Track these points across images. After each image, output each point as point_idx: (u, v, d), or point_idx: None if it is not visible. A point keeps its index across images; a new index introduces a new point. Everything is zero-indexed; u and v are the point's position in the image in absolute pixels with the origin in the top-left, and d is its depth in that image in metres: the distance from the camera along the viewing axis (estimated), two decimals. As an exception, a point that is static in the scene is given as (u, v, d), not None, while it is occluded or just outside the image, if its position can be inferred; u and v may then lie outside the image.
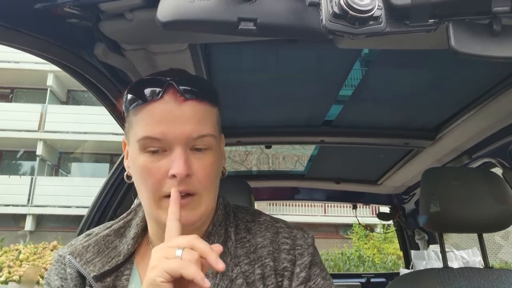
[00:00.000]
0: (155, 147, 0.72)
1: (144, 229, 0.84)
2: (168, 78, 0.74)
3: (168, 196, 0.70)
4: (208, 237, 0.80)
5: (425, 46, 0.96)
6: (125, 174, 0.82)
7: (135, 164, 0.75)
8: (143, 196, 0.75)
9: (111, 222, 0.88)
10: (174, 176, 0.70)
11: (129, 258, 0.81)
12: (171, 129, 0.71)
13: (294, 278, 0.77)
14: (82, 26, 0.86)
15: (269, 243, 0.80)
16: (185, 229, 0.75)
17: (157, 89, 0.73)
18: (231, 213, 0.86)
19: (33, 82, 15.76)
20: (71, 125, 14.89)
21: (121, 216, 0.89)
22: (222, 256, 0.76)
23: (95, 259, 0.79)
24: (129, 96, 0.76)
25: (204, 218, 0.77)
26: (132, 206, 0.90)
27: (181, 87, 0.73)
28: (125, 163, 0.82)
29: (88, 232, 0.88)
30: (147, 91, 0.74)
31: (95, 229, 0.88)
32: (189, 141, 0.72)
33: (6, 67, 15.09)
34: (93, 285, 0.76)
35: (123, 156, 0.86)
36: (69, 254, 0.80)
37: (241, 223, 0.84)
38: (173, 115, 0.72)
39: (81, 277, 0.78)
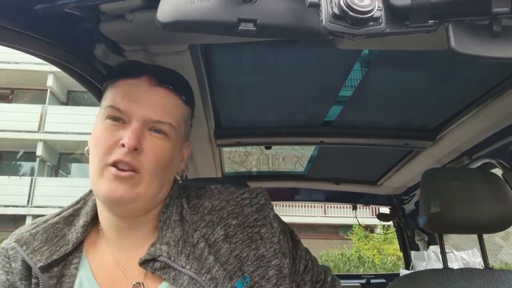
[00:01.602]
0: (116, 116, 0.75)
1: (93, 218, 0.83)
2: (149, 66, 0.82)
3: (112, 165, 0.72)
4: (166, 208, 0.81)
5: (425, 46, 0.96)
6: (86, 149, 0.81)
7: (95, 131, 0.78)
8: (92, 165, 0.76)
9: (61, 209, 0.86)
10: (123, 145, 0.72)
11: (78, 247, 0.79)
12: (136, 106, 0.75)
13: (268, 226, 0.81)
14: (82, 27, 0.86)
15: (226, 204, 0.82)
16: (124, 209, 0.77)
17: (136, 70, 0.80)
18: (180, 188, 0.88)
19: (33, 83, 15.75)
20: (71, 126, 14.87)
21: (70, 204, 0.87)
22: (181, 224, 0.78)
23: (43, 247, 0.77)
24: (109, 73, 0.83)
25: (140, 202, 0.76)
26: (81, 195, 0.89)
27: (157, 73, 0.79)
28: (89, 140, 0.81)
29: (34, 220, 0.86)
30: (126, 69, 0.81)
31: (42, 217, 0.85)
32: (148, 122, 0.76)
33: (6, 68, 15.08)
34: (39, 277, 0.74)
35: None
36: (15, 242, 0.78)
37: (191, 192, 0.87)
38: (142, 95, 0.77)
39: (27, 269, 0.76)
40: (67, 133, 15.27)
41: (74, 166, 17.34)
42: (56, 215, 0.84)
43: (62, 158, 17.20)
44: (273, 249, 0.79)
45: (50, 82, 16.00)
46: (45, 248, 0.77)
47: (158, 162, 0.75)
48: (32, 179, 15.50)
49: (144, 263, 0.74)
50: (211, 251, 0.76)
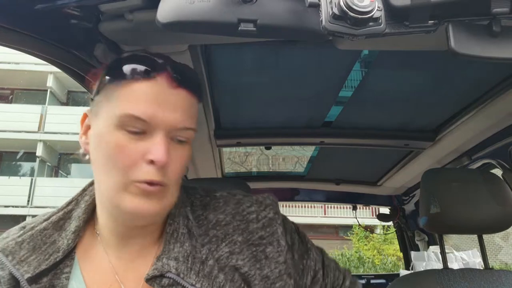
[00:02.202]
0: (137, 128, 0.66)
1: (86, 222, 0.76)
2: (161, 61, 0.70)
3: (139, 182, 0.65)
4: (173, 219, 0.74)
5: (425, 47, 0.96)
6: (80, 150, 0.74)
7: (104, 140, 0.67)
8: (108, 177, 0.68)
9: (50, 212, 0.79)
10: (152, 162, 0.65)
11: (69, 254, 0.72)
12: (160, 112, 0.66)
13: (275, 243, 0.74)
14: (82, 27, 0.86)
15: (231, 219, 0.75)
16: (142, 221, 0.71)
17: (151, 68, 0.68)
18: (183, 193, 0.80)
19: (33, 83, 15.76)
20: (71, 126, 14.85)
21: (60, 206, 0.79)
22: (190, 238, 0.72)
23: (30, 257, 0.70)
24: (116, 68, 0.69)
25: (166, 212, 0.72)
26: (73, 196, 0.81)
27: (175, 73, 0.69)
28: (81, 139, 0.73)
29: (23, 224, 0.79)
30: (140, 67, 0.68)
31: (31, 220, 0.78)
32: (172, 130, 0.68)
33: (6, 68, 15.09)
34: None
35: None
36: (0, 252, 0.71)
37: (196, 199, 0.79)
38: (164, 99, 0.67)
39: (15, 279, 0.69)
40: (67, 133, 15.26)
41: (74, 167, 17.34)
42: (45, 220, 0.76)
43: (62, 159, 17.20)
44: (278, 270, 0.73)
45: (50, 82, 16.02)
46: (33, 257, 0.71)
47: (182, 172, 0.71)
48: (32, 180, 15.50)
49: (151, 279, 0.68)
50: (220, 267, 0.71)
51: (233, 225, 0.75)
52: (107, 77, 0.70)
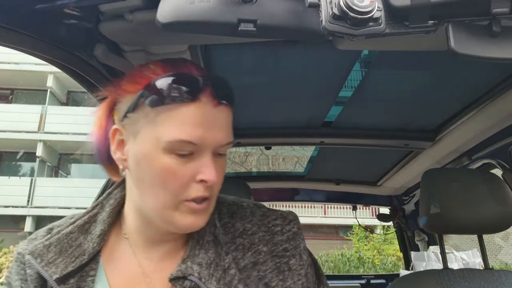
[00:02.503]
0: (187, 151, 0.67)
1: (111, 225, 0.78)
2: (201, 77, 0.68)
3: (189, 200, 0.68)
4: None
5: (425, 47, 0.96)
6: (120, 169, 0.75)
7: (152, 163, 0.67)
8: (156, 197, 0.69)
9: (76, 215, 0.82)
10: (203, 181, 0.67)
11: (95, 257, 0.75)
12: (208, 134, 0.66)
13: (298, 257, 0.76)
14: (82, 27, 0.86)
15: (257, 229, 0.77)
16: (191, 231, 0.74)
17: (195, 90, 0.66)
18: None
19: (33, 83, 15.76)
20: (71, 126, 14.87)
21: (86, 210, 0.82)
22: (215, 246, 0.74)
23: (57, 259, 0.73)
24: (157, 89, 0.67)
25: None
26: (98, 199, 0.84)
27: (216, 90, 0.68)
28: (116, 155, 0.73)
29: (50, 226, 0.82)
30: (184, 89, 0.66)
31: (58, 223, 0.81)
32: (217, 147, 0.69)
33: (6, 68, 15.09)
34: None
35: None
36: (28, 254, 0.74)
37: (223, 207, 0.80)
38: (210, 120, 0.67)
39: (42, 279, 0.73)
40: (67, 133, 15.28)
41: (74, 167, 17.36)
42: (71, 224, 0.79)
43: (62, 159, 17.21)
44: (300, 282, 0.75)
45: (50, 82, 16.01)
46: (60, 260, 0.74)
47: (221, 184, 0.73)
48: (32, 180, 15.50)
49: (174, 279, 0.71)
50: (241, 278, 0.72)
51: (258, 235, 0.76)
52: (147, 98, 0.67)
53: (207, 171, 0.67)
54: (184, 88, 0.66)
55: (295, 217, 0.81)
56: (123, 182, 0.80)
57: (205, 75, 0.70)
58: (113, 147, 0.74)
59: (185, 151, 0.66)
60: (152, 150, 0.67)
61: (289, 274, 0.74)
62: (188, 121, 0.66)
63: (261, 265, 0.74)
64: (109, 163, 0.77)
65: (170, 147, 0.66)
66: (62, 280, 0.71)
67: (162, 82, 0.67)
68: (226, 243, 0.75)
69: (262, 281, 0.73)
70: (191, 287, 0.69)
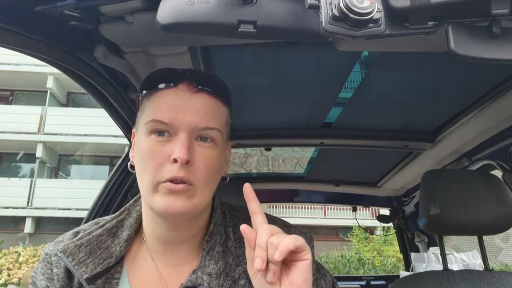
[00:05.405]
0: (161, 129, 0.73)
1: (136, 231, 0.83)
2: (182, 70, 0.77)
3: (166, 181, 0.71)
4: (210, 237, 0.80)
5: (425, 48, 0.96)
6: (129, 163, 0.82)
7: (140, 147, 0.75)
8: (143, 182, 0.75)
9: (103, 219, 0.86)
10: (175, 160, 0.70)
11: (120, 261, 0.79)
12: (179, 115, 0.73)
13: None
14: (82, 28, 0.86)
15: None
16: (179, 222, 0.76)
17: (173, 78, 0.76)
18: (227, 212, 0.86)
19: (33, 84, 15.77)
20: (71, 128, 14.88)
21: (114, 215, 0.86)
22: (225, 256, 0.78)
23: (88, 259, 0.77)
24: (145, 83, 0.79)
25: (197, 212, 0.76)
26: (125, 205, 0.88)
27: (196, 78, 0.76)
28: (131, 153, 0.82)
29: (76, 229, 0.85)
30: (163, 79, 0.77)
31: (85, 227, 0.85)
32: (195, 130, 0.73)
33: (6, 69, 15.10)
34: (84, 287, 0.75)
35: (124, 156, 0.87)
36: (61, 252, 0.78)
37: (239, 221, 0.83)
38: (184, 103, 0.74)
39: (68, 278, 0.77)
40: (67, 134, 15.28)
41: (74, 168, 17.35)
42: (100, 227, 0.83)
43: (62, 160, 17.20)
44: None
45: (50, 83, 16.01)
46: (90, 260, 0.77)
47: (209, 172, 0.75)
48: (32, 181, 15.49)
49: None
50: None
51: None
52: (141, 94, 0.80)
53: (177, 149, 0.71)
54: (163, 77, 0.77)
55: (309, 235, 0.84)
56: None
57: (192, 72, 0.79)
58: (132, 148, 0.83)
59: (160, 129, 0.73)
60: (141, 135, 0.76)
61: None
62: (163, 103, 0.75)
63: None
64: None
65: (148, 128, 0.74)
66: (91, 280, 0.75)
67: (149, 77, 0.80)
68: (238, 256, 0.79)
69: None
70: None
